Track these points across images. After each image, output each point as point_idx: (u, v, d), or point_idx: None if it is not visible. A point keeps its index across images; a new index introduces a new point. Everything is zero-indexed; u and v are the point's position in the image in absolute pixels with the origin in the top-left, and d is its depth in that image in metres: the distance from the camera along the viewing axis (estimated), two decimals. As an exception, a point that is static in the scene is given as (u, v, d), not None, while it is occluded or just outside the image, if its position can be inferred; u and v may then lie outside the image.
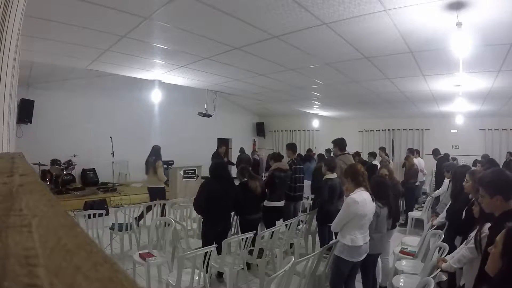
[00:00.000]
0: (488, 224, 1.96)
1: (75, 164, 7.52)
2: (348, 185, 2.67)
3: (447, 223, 3.34)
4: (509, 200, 1.78)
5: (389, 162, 7.45)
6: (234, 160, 11.76)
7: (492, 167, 2.91)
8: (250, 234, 3.20)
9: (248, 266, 3.54)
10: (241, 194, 3.89)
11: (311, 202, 5.74)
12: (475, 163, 6.71)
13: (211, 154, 7.71)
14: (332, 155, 6.76)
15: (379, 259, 3.27)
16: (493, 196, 1.77)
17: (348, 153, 4.62)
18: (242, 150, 8.73)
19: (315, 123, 11.44)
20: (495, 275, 1.33)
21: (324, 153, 8.49)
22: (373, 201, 2.66)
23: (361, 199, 2.51)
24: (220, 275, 3.53)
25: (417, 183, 6.51)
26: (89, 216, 3.68)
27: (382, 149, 8.36)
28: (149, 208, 4.48)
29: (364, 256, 2.64)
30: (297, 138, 12.64)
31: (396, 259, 3.48)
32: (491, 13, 2.50)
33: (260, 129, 13.39)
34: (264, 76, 5.31)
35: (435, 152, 7.38)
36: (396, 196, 3.69)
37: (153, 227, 3.97)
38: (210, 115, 8.27)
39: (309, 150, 8.63)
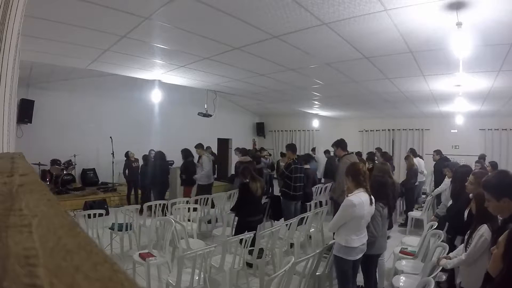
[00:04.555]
0: (485, 226, 1.97)
1: (75, 164, 7.51)
2: (349, 184, 2.64)
3: (448, 224, 3.34)
4: None
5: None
6: (233, 158, 11.77)
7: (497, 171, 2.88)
8: (250, 234, 3.20)
9: (249, 265, 3.54)
10: (242, 195, 3.89)
11: (311, 202, 5.76)
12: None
13: (211, 154, 7.73)
14: (331, 155, 6.79)
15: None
16: (499, 199, 1.76)
17: (352, 153, 4.64)
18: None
19: (315, 123, 11.43)
20: (496, 276, 1.33)
21: (327, 153, 8.50)
22: (372, 203, 2.62)
23: (359, 202, 2.48)
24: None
25: (416, 183, 6.51)
26: (89, 216, 3.68)
27: (379, 149, 8.37)
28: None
29: (360, 255, 2.63)
30: (297, 138, 12.64)
31: (396, 259, 3.48)
32: (491, 13, 2.50)
33: (260, 129, 13.39)
34: (264, 76, 5.31)
35: (438, 152, 7.31)
36: (393, 196, 3.64)
37: (153, 227, 3.98)
38: (210, 115, 8.26)
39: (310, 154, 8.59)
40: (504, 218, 1.76)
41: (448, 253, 2.56)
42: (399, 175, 9.42)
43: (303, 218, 4.03)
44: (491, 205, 1.83)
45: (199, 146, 6.61)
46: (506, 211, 1.76)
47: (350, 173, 2.65)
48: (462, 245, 2.35)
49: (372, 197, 2.63)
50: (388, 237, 3.36)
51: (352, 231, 2.52)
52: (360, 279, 3.13)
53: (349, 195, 2.58)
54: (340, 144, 4.50)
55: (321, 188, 6.70)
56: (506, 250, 1.30)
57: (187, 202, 4.99)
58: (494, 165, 6.07)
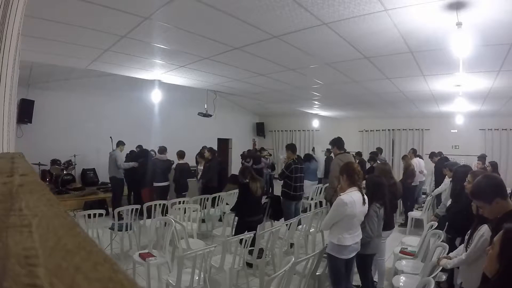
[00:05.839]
0: (485, 226, 1.97)
1: (75, 164, 7.51)
2: (343, 183, 2.65)
3: (447, 223, 3.34)
4: (506, 198, 1.80)
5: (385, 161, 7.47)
6: (233, 158, 11.78)
7: (493, 172, 2.90)
8: (250, 234, 3.20)
9: (249, 265, 3.54)
10: (242, 196, 3.89)
11: (311, 202, 5.76)
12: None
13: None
14: (331, 155, 6.79)
15: (376, 260, 3.26)
16: (491, 201, 1.78)
17: (348, 152, 4.61)
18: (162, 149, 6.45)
19: (315, 123, 11.43)
20: (492, 276, 1.33)
21: (324, 153, 8.51)
22: (365, 203, 2.63)
23: (350, 200, 2.50)
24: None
25: (415, 184, 6.50)
26: (89, 216, 3.68)
27: (379, 149, 8.38)
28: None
29: (353, 254, 2.64)
30: (297, 138, 12.64)
31: (396, 259, 3.48)
32: (491, 13, 2.50)
33: (260, 129, 13.39)
34: (264, 76, 5.31)
35: (432, 155, 7.42)
36: (394, 196, 3.62)
37: (153, 227, 3.98)
38: (210, 115, 8.26)
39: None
40: (499, 218, 1.76)
41: (448, 253, 2.56)
42: (399, 175, 9.42)
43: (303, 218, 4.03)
44: (485, 211, 1.85)
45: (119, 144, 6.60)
46: (501, 211, 1.77)
47: (344, 172, 2.66)
48: (462, 245, 2.35)
49: (365, 197, 2.64)
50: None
51: (344, 229, 2.54)
52: (357, 279, 3.14)
53: (341, 194, 2.59)
54: (337, 142, 4.47)
55: (321, 188, 6.70)
56: (501, 250, 1.30)
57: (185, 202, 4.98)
58: (494, 165, 6.07)
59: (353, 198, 2.52)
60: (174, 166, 6.36)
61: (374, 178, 3.07)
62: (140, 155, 6.65)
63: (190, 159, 8.41)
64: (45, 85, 7.03)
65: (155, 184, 6.06)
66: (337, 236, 2.54)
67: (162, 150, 6.36)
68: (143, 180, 6.23)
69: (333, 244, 2.57)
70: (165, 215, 4.23)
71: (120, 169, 6.25)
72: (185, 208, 4.54)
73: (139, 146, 7.25)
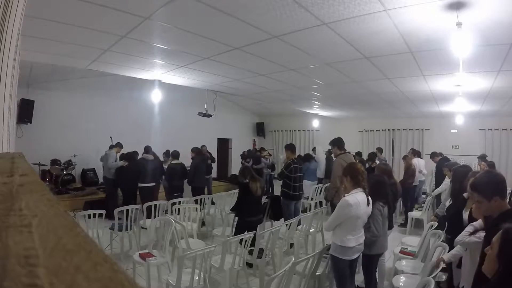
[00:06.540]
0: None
1: (75, 164, 7.51)
2: (347, 184, 2.64)
3: (447, 223, 3.34)
4: (505, 198, 1.80)
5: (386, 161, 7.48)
6: (233, 158, 11.78)
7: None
8: (250, 234, 3.21)
9: (249, 265, 3.54)
10: (242, 195, 3.89)
11: (311, 202, 5.76)
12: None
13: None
14: (331, 155, 6.79)
15: None
16: (491, 198, 1.77)
17: (348, 152, 4.62)
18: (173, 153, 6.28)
19: (315, 123, 11.43)
20: (492, 276, 1.33)
21: (324, 153, 8.51)
22: (369, 204, 2.62)
23: (355, 202, 2.48)
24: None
25: (414, 183, 6.50)
26: (89, 216, 3.68)
27: (379, 149, 8.38)
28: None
29: (357, 255, 2.63)
30: (297, 138, 12.64)
31: (396, 259, 3.48)
32: (491, 13, 2.50)
33: (260, 129, 13.38)
34: (264, 76, 5.31)
35: (433, 154, 7.43)
36: (394, 196, 3.62)
37: (153, 227, 3.98)
38: (210, 115, 8.26)
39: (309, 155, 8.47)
40: (494, 218, 1.76)
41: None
42: (399, 175, 9.43)
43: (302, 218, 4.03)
44: (482, 206, 1.83)
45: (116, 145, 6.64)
46: (498, 210, 1.77)
47: (348, 173, 2.65)
48: (459, 246, 2.34)
49: (369, 197, 2.63)
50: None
51: (347, 231, 2.52)
52: (359, 279, 3.13)
53: (345, 195, 2.58)
54: (337, 143, 4.48)
55: (321, 188, 6.70)
56: (500, 249, 1.30)
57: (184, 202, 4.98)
58: (492, 165, 6.06)
59: (358, 199, 2.51)
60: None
61: (376, 177, 3.06)
62: (133, 155, 6.52)
63: (190, 160, 8.42)
64: (45, 85, 7.02)
65: (140, 185, 5.83)
66: (341, 237, 2.53)
67: (148, 149, 6.16)
68: (136, 180, 6.03)
69: (336, 246, 2.56)
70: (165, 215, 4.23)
71: (111, 169, 6.14)
72: (185, 208, 4.54)
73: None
